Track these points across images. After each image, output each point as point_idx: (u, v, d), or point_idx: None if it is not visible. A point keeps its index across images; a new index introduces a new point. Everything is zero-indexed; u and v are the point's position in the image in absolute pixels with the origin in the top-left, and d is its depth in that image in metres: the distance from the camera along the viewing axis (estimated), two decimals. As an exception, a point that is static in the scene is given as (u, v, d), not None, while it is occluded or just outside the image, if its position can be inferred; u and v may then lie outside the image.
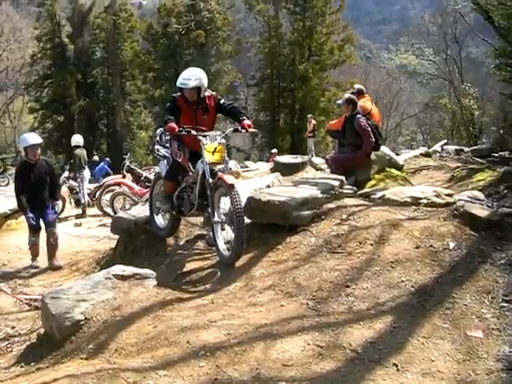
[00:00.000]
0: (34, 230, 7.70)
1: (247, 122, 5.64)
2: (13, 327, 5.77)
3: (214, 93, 6.00)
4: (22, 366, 4.32)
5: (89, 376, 3.32)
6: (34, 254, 7.80)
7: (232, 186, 5.00)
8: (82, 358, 3.81)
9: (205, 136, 5.48)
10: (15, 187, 7.79)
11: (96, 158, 24.69)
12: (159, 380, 3.26)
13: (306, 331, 3.54)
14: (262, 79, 43.99)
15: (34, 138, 7.74)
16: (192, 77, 5.66)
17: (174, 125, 5.46)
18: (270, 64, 42.64)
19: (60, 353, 4.13)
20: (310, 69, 39.88)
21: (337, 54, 40.83)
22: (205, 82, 5.73)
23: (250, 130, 5.65)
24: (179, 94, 5.82)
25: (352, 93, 8.89)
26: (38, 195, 7.69)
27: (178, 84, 5.70)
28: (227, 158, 5.57)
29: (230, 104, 6.03)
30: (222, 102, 5.93)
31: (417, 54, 40.73)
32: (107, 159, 23.87)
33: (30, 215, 7.56)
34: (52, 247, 7.84)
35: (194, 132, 5.52)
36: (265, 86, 43.51)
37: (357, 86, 9.68)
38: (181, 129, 5.49)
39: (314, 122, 23.21)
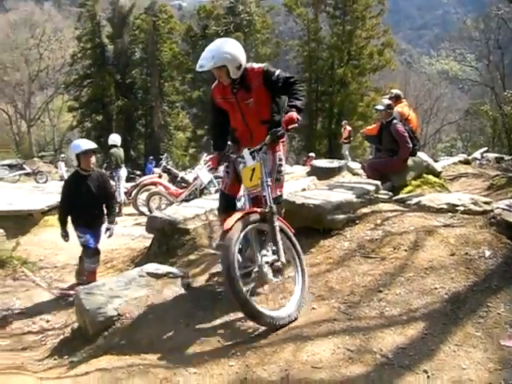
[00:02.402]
0: (92, 254, 6.60)
1: (289, 114, 4.07)
2: (47, 321, 5.95)
3: (262, 65, 4.44)
4: (55, 359, 4.42)
5: (120, 370, 3.40)
6: (90, 280, 6.05)
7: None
8: (113, 353, 3.88)
9: (239, 156, 4.50)
10: (60, 202, 6.85)
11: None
12: (189, 377, 3.31)
13: (337, 334, 3.53)
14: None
15: (88, 143, 6.62)
16: (207, 54, 4.24)
17: (214, 157, 4.74)
18: (308, 67, 42.61)
19: (92, 347, 4.22)
20: (349, 73, 39.73)
21: (376, 58, 40.56)
22: (229, 55, 4.23)
23: (290, 126, 4.08)
24: (214, 84, 4.63)
25: (390, 98, 8.83)
26: (88, 213, 6.59)
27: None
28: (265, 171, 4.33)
29: (284, 78, 4.34)
30: (273, 77, 4.32)
31: (458, 60, 40.34)
32: (151, 158, 24.33)
33: (87, 236, 6.55)
34: (82, 270, 6.80)
35: (233, 155, 4.56)
36: (303, 89, 43.48)
37: (394, 91, 9.61)
38: (223, 154, 4.59)
39: (348, 128, 22.92)
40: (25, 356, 4.81)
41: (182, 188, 11.64)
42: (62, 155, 15.46)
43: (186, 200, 10.31)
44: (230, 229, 3.82)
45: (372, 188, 6.02)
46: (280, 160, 4.53)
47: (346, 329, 3.60)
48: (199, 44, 43.11)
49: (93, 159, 6.64)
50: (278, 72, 4.35)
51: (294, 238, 4.27)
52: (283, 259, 3.97)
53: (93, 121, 44.46)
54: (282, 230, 4.12)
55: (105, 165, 14.49)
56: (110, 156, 13.77)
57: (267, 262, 3.98)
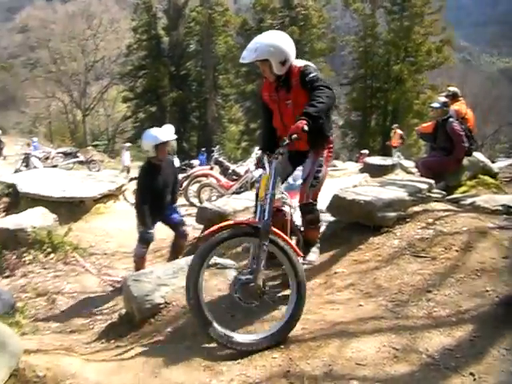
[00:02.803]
0: (146, 243, 6.58)
1: (296, 123, 3.62)
2: (96, 306, 6.08)
3: (303, 63, 4.12)
4: (102, 343, 4.51)
5: (165, 356, 3.46)
6: (139, 267, 6.26)
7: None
8: (159, 340, 3.95)
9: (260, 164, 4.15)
10: (139, 196, 6.41)
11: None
12: (232, 367, 3.34)
13: (383, 332, 3.49)
14: (356, 79, 43.59)
15: (167, 134, 6.38)
16: (252, 45, 4.04)
17: (257, 157, 4.52)
18: (364, 63, 42.17)
19: (139, 333, 4.28)
20: (406, 70, 39.10)
21: (434, 55, 39.74)
22: (273, 48, 3.97)
23: (293, 137, 3.61)
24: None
25: (446, 96, 8.66)
26: (162, 202, 6.51)
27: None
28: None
29: (312, 81, 3.95)
30: (307, 78, 3.98)
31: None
32: (203, 149, 24.58)
33: (151, 231, 6.47)
34: (180, 248, 6.86)
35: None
36: (358, 85, 43.08)
37: (452, 88, 9.39)
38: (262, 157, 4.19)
39: (399, 131, 22.15)
40: (73, 339, 4.97)
41: (233, 180, 11.71)
42: (127, 144, 15.65)
43: (237, 192, 10.36)
44: (210, 235, 3.61)
45: (425, 186, 5.91)
46: (320, 166, 4.29)
47: (393, 327, 3.56)
48: (254, 37, 43.14)
49: (168, 148, 6.52)
50: (312, 75, 3.99)
51: (296, 261, 3.75)
52: (259, 282, 3.61)
53: (147, 112, 45.11)
54: (282, 250, 3.71)
55: None
56: None
57: (239, 280, 3.69)
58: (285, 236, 3.78)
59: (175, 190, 6.84)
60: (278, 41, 4.04)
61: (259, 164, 4.29)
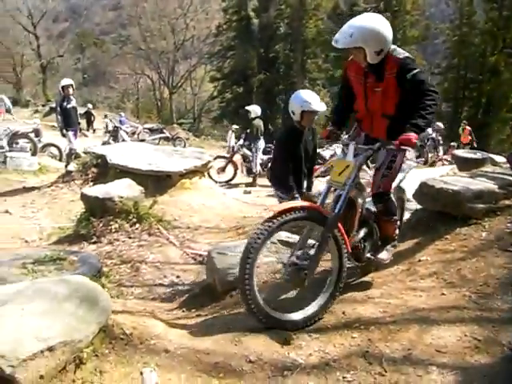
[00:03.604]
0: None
1: (408, 134, 3.58)
2: (178, 276, 6.22)
3: (402, 55, 3.85)
4: (183, 311, 4.69)
5: (245, 327, 3.57)
6: None
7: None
8: (239, 312, 4.04)
9: (346, 145, 4.10)
10: (284, 162, 5.85)
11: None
12: (310, 342, 3.42)
13: (465, 322, 3.46)
14: (448, 68, 42.13)
15: (320, 105, 5.74)
16: (347, 29, 3.78)
17: (326, 130, 4.42)
18: (457, 53, 40.66)
19: (220, 304, 4.43)
20: (502, 61, 37.32)
21: (535, 47, 37.80)
22: (371, 36, 3.73)
23: (403, 147, 3.68)
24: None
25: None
26: (300, 171, 5.96)
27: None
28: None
29: (417, 82, 3.75)
30: (408, 75, 3.74)
31: None
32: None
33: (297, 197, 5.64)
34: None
35: (346, 140, 4.18)
36: (450, 75, 41.64)
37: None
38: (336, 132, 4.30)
39: (468, 128, 20.74)
40: (155, 305, 5.14)
41: (319, 164, 11.69)
42: (235, 126, 15.84)
43: (322, 176, 10.35)
44: (278, 216, 3.54)
45: (517, 180, 5.72)
46: (394, 156, 4.08)
47: (475, 318, 3.52)
48: (346, 22, 42.44)
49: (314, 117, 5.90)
50: (415, 71, 3.76)
51: (345, 260, 3.80)
52: (312, 270, 3.66)
53: (233, 92, 45.38)
54: (337, 246, 3.74)
55: (244, 135, 14.77)
56: (252, 126, 14.01)
57: (295, 264, 3.69)
58: (343, 233, 3.74)
59: (314, 160, 6.33)
60: (376, 28, 3.76)
61: (331, 137, 4.36)
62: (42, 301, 2.86)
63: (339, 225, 3.70)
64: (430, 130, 16.25)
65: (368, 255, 4.20)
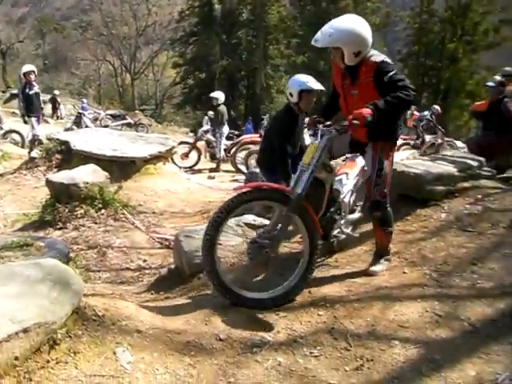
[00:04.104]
0: None
1: (361, 109, 3.58)
2: (144, 260, 6.23)
3: (380, 58, 3.86)
4: (151, 294, 4.70)
5: (214, 307, 3.63)
6: None
7: None
8: (207, 294, 4.09)
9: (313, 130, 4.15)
10: (280, 141, 5.50)
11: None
12: (278, 320, 3.51)
13: (426, 299, 3.60)
14: (408, 55, 42.51)
15: (317, 84, 5.54)
16: (327, 29, 3.82)
17: (310, 118, 4.40)
18: (417, 40, 41.08)
19: (187, 287, 4.45)
20: (461, 49, 37.93)
21: (492, 35, 38.49)
22: (349, 37, 3.78)
23: (353, 121, 3.56)
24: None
25: (502, 76, 8.49)
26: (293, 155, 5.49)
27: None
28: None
29: (394, 82, 3.73)
30: (385, 77, 3.74)
31: None
32: (250, 118, 24.61)
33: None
34: None
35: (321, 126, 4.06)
36: (410, 62, 42.04)
37: (507, 68, 9.15)
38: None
39: (416, 113, 21.22)
40: (123, 289, 5.14)
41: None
42: (211, 112, 15.68)
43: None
44: (239, 196, 3.65)
45: (475, 164, 5.92)
46: (381, 164, 4.08)
47: (436, 295, 3.66)
48: (307, 9, 42.57)
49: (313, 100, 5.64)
50: (391, 73, 3.75)
51: (316, 242, 3.83)
52: (274, 249, 3.75)
53: (196, 78, 45.06)
54: (306, 227, 3.76)
55: (207, 120, 14.75)
56: (217, 112, 13.97)
57: (255, 242, 3.74)
58: (314, 214, 3.77)
59: (302, 148, 5.72)
60: (355, 29, 3.82)
61: (310, 127, 4.32)
62: (15, 284, 2.86)
63: (307, 205, 3.73)
64: (426, 112, 16.48)
65: (335, 233, 4.28)
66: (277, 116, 6.44)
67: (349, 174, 4.16)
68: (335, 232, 4.29)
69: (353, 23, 3.84)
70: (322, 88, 5.55)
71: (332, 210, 4.20)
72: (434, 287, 3.79)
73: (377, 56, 3.90)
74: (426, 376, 2.85)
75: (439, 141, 14.62)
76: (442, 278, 3.90)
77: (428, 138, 14.73)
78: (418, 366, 2.94)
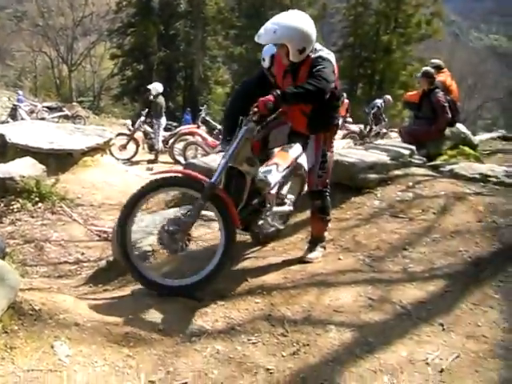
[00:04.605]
0: None
1: (264, 97, 3.58)
2: (82, 253, 6.20)
3: (317, 54, 3.85)
4: (90, 286, 4.65)
5: (152, 298, 3.61)
6: None
7: None
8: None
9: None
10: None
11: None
12: (216, 309, 3.53)
13: (360, 284, 3.70)
14: (344, 47, 43.28)
15: None
16: (270, 26, 3.70)
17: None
18: (353, 32, 41.89)
19: (126, 278, 4.40)
20: (394, 41, 38.95)
21: (424, 27, 39.59)
22: (295, 34, 3.70)
23: (253, 109, 3.64)
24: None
25: (432, 67, 8.76)
26: None
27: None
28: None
29: (316, 71, 3.70)
30: (315, 69, 3.72)
31: (509, 36, 38.97)
32: (188, 109, 24.41)
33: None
34: None
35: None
36: (346, 54, 42.80)
37: (434, 60, 9.43)
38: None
39: (347, 101, 21.43)
40: (61, 283, 5.09)
41: (219, 140, 11.79)
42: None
43: (223, 151, 10.43)
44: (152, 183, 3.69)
45: (407, 152, 6.11)
46: (324, 156, 4.12)
47: (369, 280, 3.77)
48: (245, 0, 42.61)
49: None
50: (320, 66, 3.71)
51: (232, 230, 3.78)
52: (183, 234, 3.67)
53: (133, 70, 44.35)
54: (222, 216, 3.73)
55: (145, 112, 14.57)
56: (154, 104, 13.83)
57: (165, 229, 3.69)
58: (230, 202, 3.73)
59: None
60: (299, 26, 3.73)
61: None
62: None
63: (223, 194, 3.72)
64: (377, 100, 16.78)
65: (259, 223, 4.18)
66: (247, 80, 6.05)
67: (279, 165, 4.09)
68: (259, 223, 4.19)
69: (297, 19, 3.77)
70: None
71: (255, 201, 4.09)
72: (368, 272, 3.90)
73: (317, 52, 3.86)
74: (360, 358, 2.93)
75: (384, 130, 14.93)
76: (374, 263, 4.02)
77: (374, 127, 15.03)
78: (353, 348, 3.02)
